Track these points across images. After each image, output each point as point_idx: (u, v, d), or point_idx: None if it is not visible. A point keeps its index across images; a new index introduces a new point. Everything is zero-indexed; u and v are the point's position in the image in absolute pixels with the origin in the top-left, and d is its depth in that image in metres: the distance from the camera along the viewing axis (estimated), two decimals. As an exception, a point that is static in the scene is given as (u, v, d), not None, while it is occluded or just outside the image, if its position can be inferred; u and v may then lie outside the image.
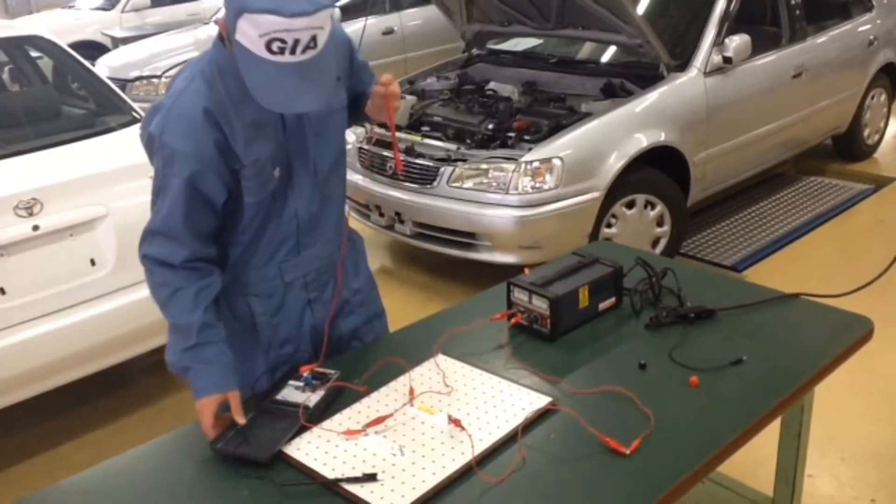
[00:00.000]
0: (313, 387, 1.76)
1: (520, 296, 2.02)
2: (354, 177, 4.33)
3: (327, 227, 1.91)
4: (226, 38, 1.59)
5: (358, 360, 1.92)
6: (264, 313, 1.88)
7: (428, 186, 4.04)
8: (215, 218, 1.74)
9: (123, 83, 6.48)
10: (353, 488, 1.48)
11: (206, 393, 1.68)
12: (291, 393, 1.75)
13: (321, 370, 1.81)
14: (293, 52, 1.47)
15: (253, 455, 1.57)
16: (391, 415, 1.69)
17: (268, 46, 1.46)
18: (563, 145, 3.87)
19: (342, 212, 1.97)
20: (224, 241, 1.81)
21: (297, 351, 1.94)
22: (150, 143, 1.69)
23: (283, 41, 1.45)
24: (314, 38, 1.48)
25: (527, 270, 2.10)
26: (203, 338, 1.70)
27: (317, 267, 1.91)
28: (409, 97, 4.83)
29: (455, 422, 1.64)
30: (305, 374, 1.79)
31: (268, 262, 1.85)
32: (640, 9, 4.63)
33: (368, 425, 1.65)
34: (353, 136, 4.54)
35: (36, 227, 2.91)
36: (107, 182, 3.13)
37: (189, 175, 1.64)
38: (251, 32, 1.45)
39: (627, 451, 1.55)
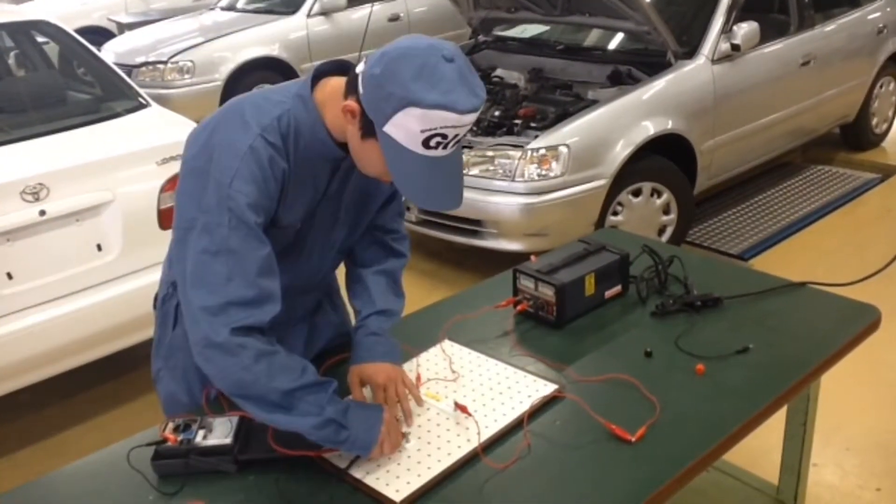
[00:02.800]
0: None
1: (526, 283, 2.02)
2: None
3: (322, 281, 1.85)
4: (353, 118, 1.41)
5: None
6: None
7: (434, 173, 4.02)
8: None
9: (129, 69, 6.47)
10: (358, 473, 1.48)
11: (379, 410, 1.56)
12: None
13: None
14: (446, 147, 1.37)
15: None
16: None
17: (425, 142, 1.35)
18: (569, 133, 3.86)
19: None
20: None
21: None
22: (198, 180, 1.48)
23: (444, 136, 1.35)
24: (465, 135, 1.41)
25: (533, 258, 2.10)
26: (334, 384, 1.52)
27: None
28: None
29: (461, 408, 1.65)
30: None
31: None
32: (648, -4, 4.61)
33: (374, 411, 1.65)
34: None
35: (42, 213, 2.91)
36: (113, 167, 3.13)
37: (259, 222, 1.47)
38: (412, 127, 1.33)
39: (633, 439, 1.55)
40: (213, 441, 1.54)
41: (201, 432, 1.56)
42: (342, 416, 1.48)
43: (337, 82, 1.48)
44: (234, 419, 1.59)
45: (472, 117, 1.36)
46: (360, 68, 1.39)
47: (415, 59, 1.33)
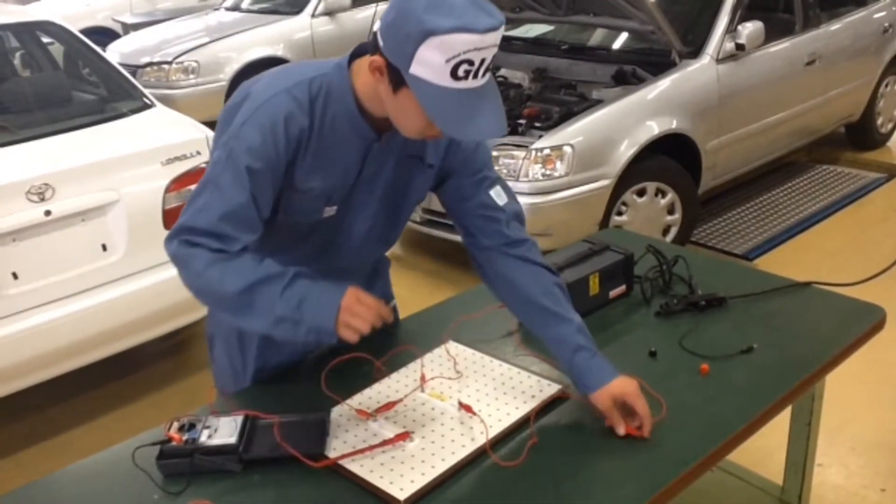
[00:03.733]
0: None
1: (530, 283, 2.02)
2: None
3: (364, 263, 1.86)
4: (381, 75, 1.42)
5: (371, 344, 1.92)
6: None
7: (438, 173, 4.03)
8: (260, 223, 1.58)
9: (134, 69, 6.48)
10: (362, 472, 1.48)
11: (340, 291, 1.51)
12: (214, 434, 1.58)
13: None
14: (475, 75, 1.36)
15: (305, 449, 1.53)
16: (401, 400, 1.69)
17: (453, 72, 1.34)
18: (573, 132, 3.86)
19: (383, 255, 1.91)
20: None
21: (280, 354, 1.85)
22: (227, 124, 1.55)
23: (470, 62, 1.34)
24: (493, 59, 1.40)
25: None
26: (291, 271, 1.52)
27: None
28: None
29: (466, 407, 1.65)
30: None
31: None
32: (653, -5, 4.60)
33: (378, 411, 1.65)
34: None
35: (48, 213, 2.92)
36: (118, 168, 3.14)
37: (250, 168, 1.50)
38: (437, 58, 1.33)
39: (646, 435, 1.55)
40: (217, 440, 1.54)
41: (206, 432, 1.56)
42: (294, 310, 1.49)
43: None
44: (239, 418, 1.59)
45: (494, 36, 1.34)
46: (376, 26, 1.41)
47: None
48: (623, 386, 1.60)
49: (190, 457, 1.52)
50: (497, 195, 1.73)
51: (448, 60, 1.33)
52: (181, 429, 1.57)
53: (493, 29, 1.33)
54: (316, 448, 1.52)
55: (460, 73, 1.35)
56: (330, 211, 1.64)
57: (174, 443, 1.53)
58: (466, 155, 1.71)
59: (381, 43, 1.39)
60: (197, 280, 1.52)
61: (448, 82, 1.35)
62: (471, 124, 1.40)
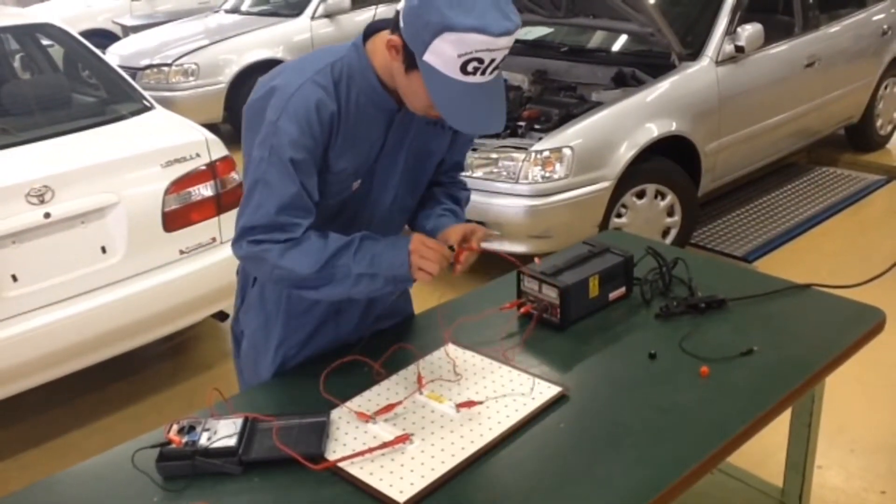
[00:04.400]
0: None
1: (530, 285, 2.02)
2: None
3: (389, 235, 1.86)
4: (396, 54, 1.51)
5: (371, 346, 1.92)
6: (294, 310, 1.85)
7: (438, 175, 4.03)
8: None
9: (134, 71, 6.49)
10: (362, 474, 1.48)
11: (406, 240, 1.64)
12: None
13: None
14: (484, 73, 1.45)
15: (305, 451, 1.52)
16: (400, 402, 1.69)
17: (463, 67, 1.43)
18: (573, 134, 3.86)
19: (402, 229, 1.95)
20: None
21: (300, 352, 1.90)
22: (257, 121, 1.60)
23: (480, 61, 1.42)
24: (503, 59, 1.47)
25: (537, 260, 2.10)
26: (358, 236, 1.64)
27: None
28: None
29: (466, 404, 1.65)
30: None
31: None
32: (652, -3, 4.61)
33: (378, 413, 1.65)
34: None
35: (47, 215, 2.92)
36: (118, 170, 3.14)
37: (294, 160, 1.57)
38: (449, 52, 1.41)
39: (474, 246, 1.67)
40: (217, 443, 1.54)
41: (206, 434, 1.56)
42: (369, 266, 1.62)
43: (387, 34, 1.56)
44: (239, 421, 1.59)
45: (507, 41, 1.42)
46: (400, 5, 1.47)
47: None
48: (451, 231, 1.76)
49: (190, 459, 1.52)
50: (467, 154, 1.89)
51: (460, 56, 1.41)
52: (181, 431, 1.57)
53: (508, 33, 1.42)
54: (315, 450, 1.52)
55: (469, 68, 1.43)
56: (356, 185, 1.71)
57: (174, 445, 1.54)
58: None
59: (401, 24, 1.47)
60: (274, 272, 1.63)
61: (457, 75, 1.44)
62: (470, 117, 1.49)
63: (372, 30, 1.63)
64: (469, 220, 1.85)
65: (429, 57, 1.44)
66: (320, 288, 1.64)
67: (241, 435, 1.56)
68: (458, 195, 1.97)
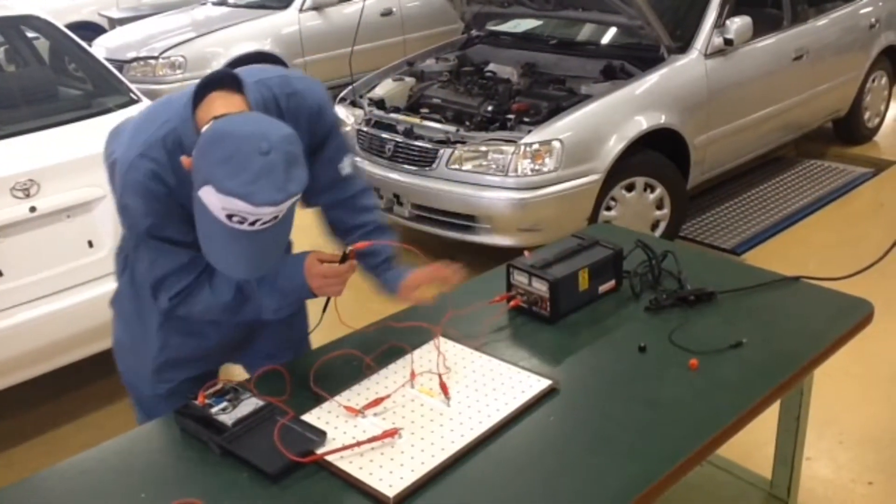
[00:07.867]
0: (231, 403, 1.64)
1: (519, 278, 2.02)
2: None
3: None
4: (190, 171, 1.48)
5: (360, 340, 1.91)
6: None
7: (427, 169, 4.02)
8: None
9: (121, 64, 6.43)
10: (351, 469, 1.48)
11: (301, 261, 1.71)
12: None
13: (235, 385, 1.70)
14: (252, 224, 1.43)
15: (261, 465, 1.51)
16: (389, 396, 1.68)
17: (228, 217, 1.42)
18: (562, 128, 3.85)
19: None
20: None
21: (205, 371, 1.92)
22: (112, 179, 1.67)
23: (243, 218, 1.42)
24: (276, 217, 1.45)
25: (526, 253, 2.10)
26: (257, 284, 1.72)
27: None
28: (407, 79, 4.81)
29: (442, 386, 1.67)
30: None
31: None
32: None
33: (367, 407, 1.65)
34: (351, 117, 4.52)
35: (33, 209, 2.90)
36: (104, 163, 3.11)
37: (147, 228, 1.61)
38: (214, 201, 1.41)
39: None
40: (222, 416, 1.57)
41: (228, 405, 1.60)
42: (281, 298, 1.72)
43: (218, 96, 1.55)
44: (260, 404, 1.61)
45: (271, 210, 1.41)
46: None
47: (230, 144, 1.40)
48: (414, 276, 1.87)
49: (198, 421, 1.57)
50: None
51: (223, 208, 1.41)
52: (216, 392, 1.62)
53: (273, 204, 1.40)
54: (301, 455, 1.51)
55: (234, 220, 1.42)
56: None
57: (198, 402, 1.60)
58: (327, 129, 1.80)
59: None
60: (207, 312, 1.73)
61: (223, 219, 1.43)
62: (219, 257, 1.51)
63: (206, 84, 1.57)
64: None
65: (200, 191, 1.42)
66: (243, 311, 1.73)
67: (244, 420, 1.57)
68: (365, 203, 1.92)
